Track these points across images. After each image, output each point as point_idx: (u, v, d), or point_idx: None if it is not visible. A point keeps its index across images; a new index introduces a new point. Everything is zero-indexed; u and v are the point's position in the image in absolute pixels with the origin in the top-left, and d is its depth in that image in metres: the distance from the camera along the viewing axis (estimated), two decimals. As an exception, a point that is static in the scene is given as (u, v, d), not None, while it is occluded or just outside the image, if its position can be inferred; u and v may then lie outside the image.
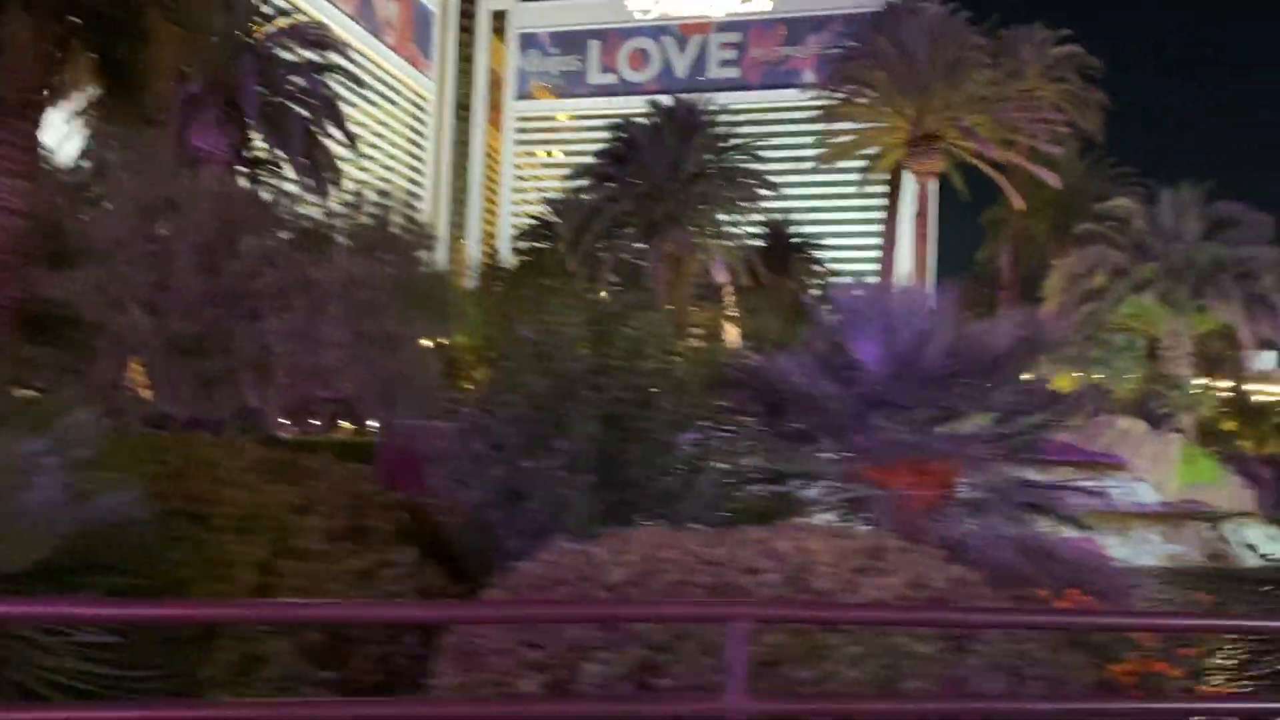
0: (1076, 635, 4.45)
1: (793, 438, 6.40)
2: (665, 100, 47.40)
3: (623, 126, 45.07)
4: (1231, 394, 65.10)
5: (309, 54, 32.81)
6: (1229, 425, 61.59)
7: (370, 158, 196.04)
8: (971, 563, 5.99)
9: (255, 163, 33.16)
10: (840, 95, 42.23)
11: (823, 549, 4.05)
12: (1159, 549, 31.68)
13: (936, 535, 5.86)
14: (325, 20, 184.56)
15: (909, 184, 43.44)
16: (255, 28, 32.26)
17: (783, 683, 3.38)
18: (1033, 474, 10.43)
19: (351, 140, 34.34)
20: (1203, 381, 63.01)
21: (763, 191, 47.27)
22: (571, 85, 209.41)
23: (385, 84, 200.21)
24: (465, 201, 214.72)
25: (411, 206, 28.94)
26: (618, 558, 3.86)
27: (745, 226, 54.53)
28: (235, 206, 23.86)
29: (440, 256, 57.80)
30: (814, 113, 47.86)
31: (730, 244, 47.24)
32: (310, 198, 32.79)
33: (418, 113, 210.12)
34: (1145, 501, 34.33)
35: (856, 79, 40.65)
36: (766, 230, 71.56)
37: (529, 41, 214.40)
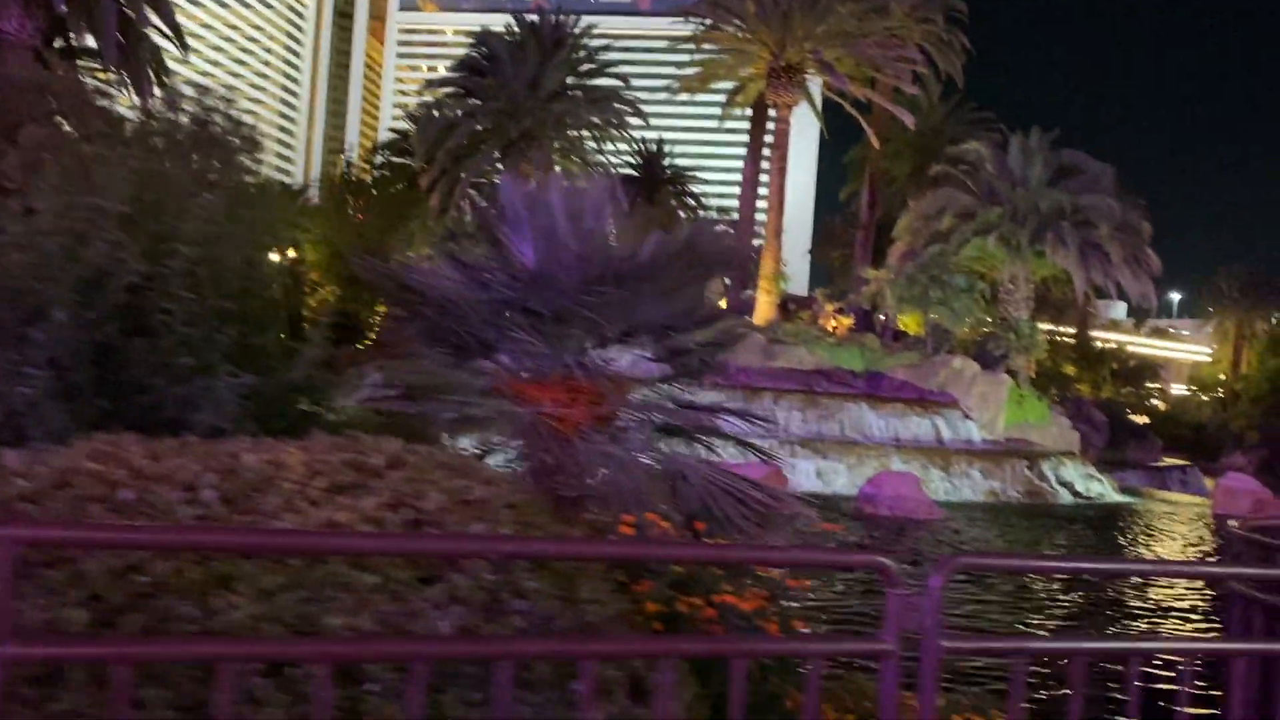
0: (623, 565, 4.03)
1: (453, 351, 5.84)
2: (530, 16, 45.87)
3: (482, 39, 43.41)
4: (1075, 340, 67.88)
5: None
6: (1069, 369, 64.29)
7: (243, 63, 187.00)
8: (599, 489, 5.57)
9: (70, 53, 30.73)
10: (706, 21, 41.43)
11: (299, 463, 3.49)
12: (980, 485, 32.76)
13: (578, 460, 5.40)
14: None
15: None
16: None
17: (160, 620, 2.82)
18: (714, 397, 10.25)
19: (179, 33, 31.96)
20: (1047, 327, 65.49)
21: (631, 118, 46.36)
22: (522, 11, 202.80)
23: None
24: (344, 115, 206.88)
25: (231, 105, 27.20)
26: (30, 468, 3.22)
27: (613, 154, 53.70)
28: (19, 93, 21.93)
29: (308, 170, 55.24)
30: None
31: (592, 169, 46.31)
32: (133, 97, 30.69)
33: (295, 18, 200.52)
34: (973, 439, 35.41)
35: (723, 4, 39.89)
36: (640, 159, 70.88)
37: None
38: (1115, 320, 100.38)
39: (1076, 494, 33.99)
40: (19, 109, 21.82)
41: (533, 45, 42.72)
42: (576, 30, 44.93)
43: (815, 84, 43.07)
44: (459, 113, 42.25)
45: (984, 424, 36.92)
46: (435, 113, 42.60)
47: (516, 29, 43.95)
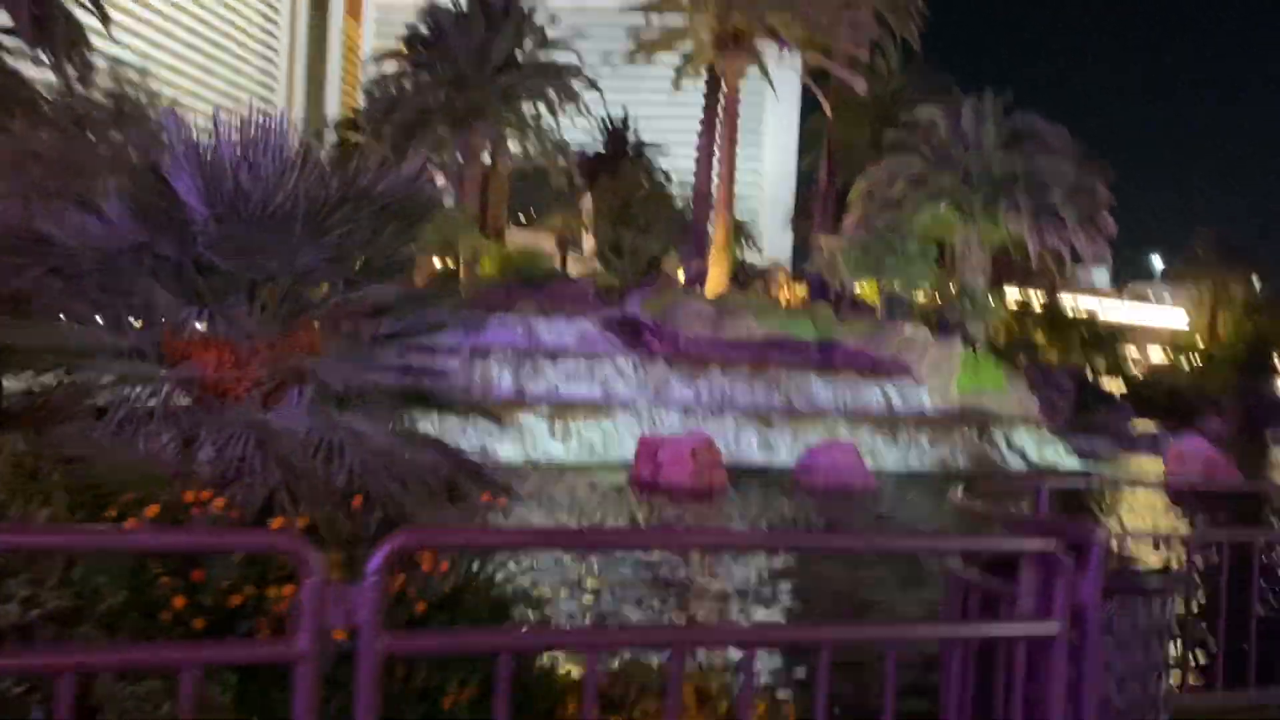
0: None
1: (91, 306, 5.34)
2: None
3: (429, 11, 42.70)
4: (1044, 306, 67.45)
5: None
6: (1037, 336, 63.95)
7: (220, 45, 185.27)
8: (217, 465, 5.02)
9: (-7, 31, 30.03)
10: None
11: None
12: (928, 454, 32.50)
13: (239, 424, 4.95)
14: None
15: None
16: None
17: None
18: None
19: (100, 7, 31.26)
20: (1017, 293, 65.10)
21: (590, 92, 45.61)
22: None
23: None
24: (323, 95, 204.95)
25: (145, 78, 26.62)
26: None
27: (575, 129, 53.01)
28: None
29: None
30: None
31: (547, 143, 45.68)
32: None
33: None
34: (924, 407, 35.11)
35: (669, -29, 39.29)
36: (605, 134, 70.07)
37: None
38: (1097, 288, 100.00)
39: (1029, 460, 33.76)
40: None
41: (479, 17, 42.04)
42: (525, 3, 44.24)
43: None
44: (405, 86, 41.62)
45: (936, 391, 36.64)
46: (379, 89, 41.98)
47: (464, 1, 43.25)
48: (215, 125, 5.47)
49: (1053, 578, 3.30)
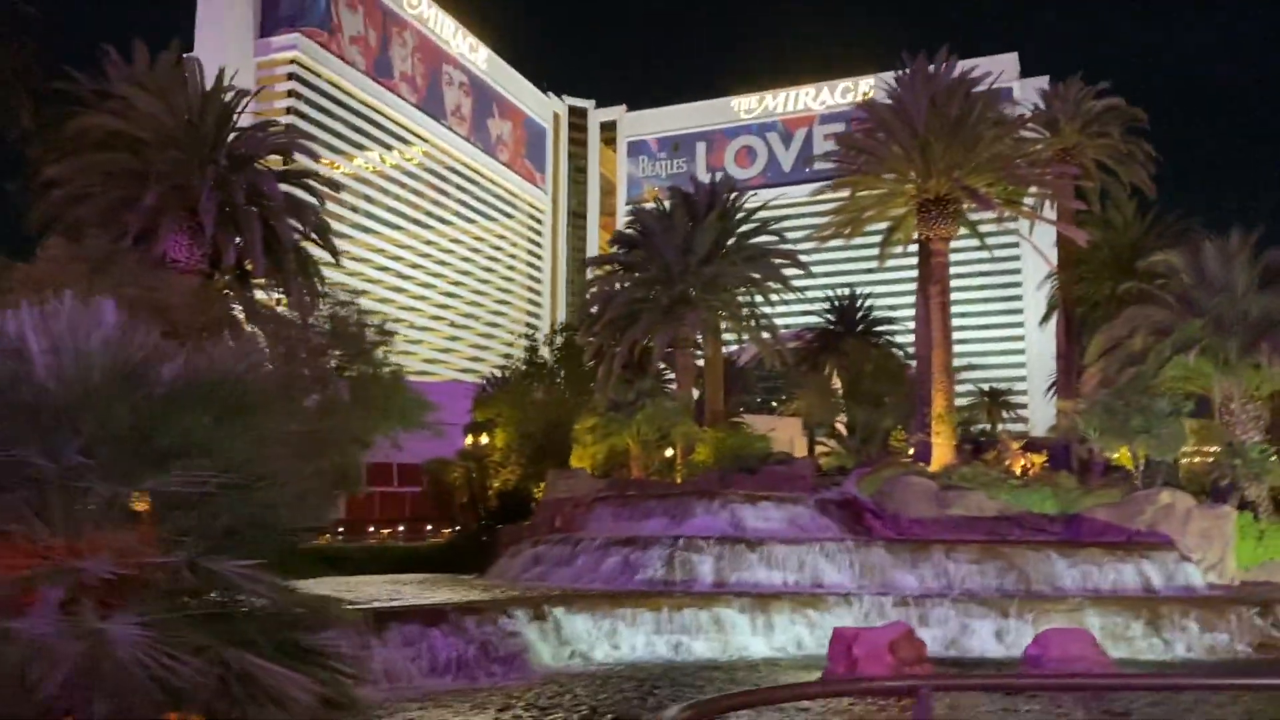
0: None
1: None
2: (685, 187, 46.66)
3: (635, 213, 44.47)
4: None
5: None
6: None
7: (490, 269, 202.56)
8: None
9: (243, 275, 33.68)
10: (853, 168, 40.55)
11: None
12: (1197, 640, 27.78)
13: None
14: (444, 145, 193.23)
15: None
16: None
17: None
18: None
19: (334, 252, 34.58)
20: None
21: (790, 271, 45.50)
22: (680, 186, 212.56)
23: (501, 199, 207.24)
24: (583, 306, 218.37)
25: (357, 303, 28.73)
26: None
27: (796, 310, 52.83)
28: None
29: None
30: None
31: (755, 326, 45.52)
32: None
33: (534, 224, 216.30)
34: (1193, 585, 30.40)
35: (862, 147, 39.12)
36: (833, 311, 69.48)
37: (637, 148, 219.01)
38: None
39: (1330, 645, 28.12)
40: (180, 323, 23.88)
41: (681, 213, 43.25)
42: (728, 197, 45.23)
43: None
44: (616, 286, 43.03)
45: (1208, 566, 31.80)
46: (593, 289, 43.59)
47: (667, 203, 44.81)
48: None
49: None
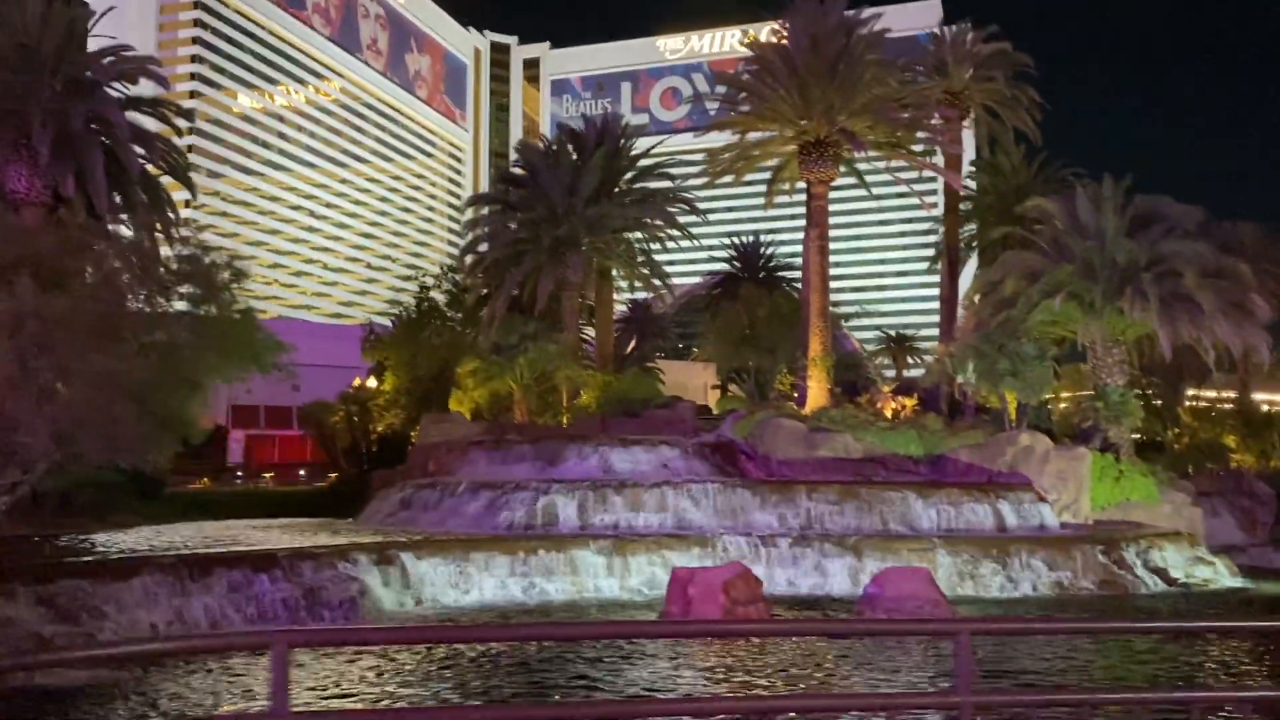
0: None
1: None
2: (573, 125, 45.84)
3: (520, 151, 43.59)
4: (1235, 405, 60.44)
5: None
6: (1230, 439, 57.15)
7: (409, 210, 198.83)
8: None
9: (91, 208, 32.35)
10: (742, 109, 40.09)
11: None
12: (1044, 577, 28.51)
13: None
14: (360, 80, 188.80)
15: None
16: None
17: None
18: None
19: (191, 187, 33.25)
20: (1192, 391, 58.81)
21: (685, 216, 45.00)
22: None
23: (420, 136, 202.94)
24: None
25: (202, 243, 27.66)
26: None
27: (703, 253, 52.51)
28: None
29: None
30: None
31: (647, 272, 45.14)
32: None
33: (455, 163, 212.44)
34: (1046, 524, 31.15)
35: (746, 88, 38.66)
36: (737, 256, 69.38)
37: (561, 87, 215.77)
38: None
39: (1171, 581, 29.08)
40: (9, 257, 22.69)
41: (568, 153, 42.48)
42: (621, 138, 44.44)
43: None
44: (499, 225, 42.27)
45: (1064, 506, 32.60)
46: (479, 229, 42.79)
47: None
48: None
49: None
